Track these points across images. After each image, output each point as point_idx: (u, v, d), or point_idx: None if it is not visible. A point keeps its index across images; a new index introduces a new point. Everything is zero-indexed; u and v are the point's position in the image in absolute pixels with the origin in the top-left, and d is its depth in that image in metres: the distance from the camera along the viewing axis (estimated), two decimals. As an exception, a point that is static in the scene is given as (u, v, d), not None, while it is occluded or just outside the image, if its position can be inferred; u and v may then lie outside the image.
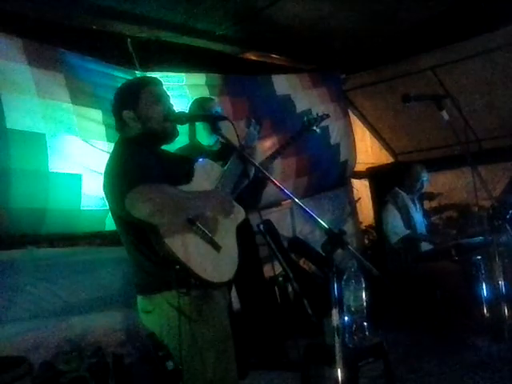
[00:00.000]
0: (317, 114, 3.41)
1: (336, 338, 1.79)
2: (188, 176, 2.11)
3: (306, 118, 3.37)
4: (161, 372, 3.18)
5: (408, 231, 4.26)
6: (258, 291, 3.73)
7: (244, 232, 3.39)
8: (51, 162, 3.15)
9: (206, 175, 2.20)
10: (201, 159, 2.27)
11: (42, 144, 3.11)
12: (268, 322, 3.71)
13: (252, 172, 2.44)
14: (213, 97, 3.91)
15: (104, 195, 2.07)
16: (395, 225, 4.29)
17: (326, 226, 1.82)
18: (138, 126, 2.12)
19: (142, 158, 1.97)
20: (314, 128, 3.36)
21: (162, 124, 2.11)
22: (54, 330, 3.30)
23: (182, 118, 2.15)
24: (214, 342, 1.98)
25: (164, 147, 2.24)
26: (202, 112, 3.21)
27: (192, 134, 3.39)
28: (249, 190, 2.83)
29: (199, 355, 1.95)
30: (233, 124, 2.05)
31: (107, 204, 2.10)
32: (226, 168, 2.29)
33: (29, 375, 2.83)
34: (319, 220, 1.82)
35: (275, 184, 1.96)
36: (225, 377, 2.00)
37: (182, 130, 3.39)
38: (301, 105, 4.95)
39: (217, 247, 2.01)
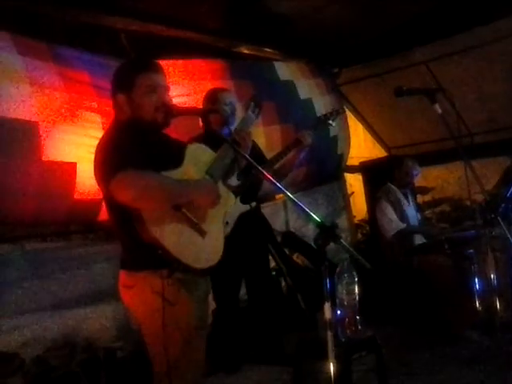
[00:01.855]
0: (332, 109, 3.44)
1: (328, 331, 1.78)
2: (178, 161, 2.09)
3: (322, 113, 3.38)
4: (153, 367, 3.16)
5: (404, 224, 4.27)
6: (266, 283, 3.73)
7: (254, 223, 3.40)
8: (44, 150, 3.12)
9: (196, 160, 2.18)
10: (193, 144, 2.25)
11: (34, 132, 3.08)
12: (271, 315, 3.71)
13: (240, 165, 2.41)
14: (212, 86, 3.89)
15: (94, 176, 2.06)
16: (391, 219, 4.29)
17: (318, 219, 1.80)
18: (129, 111, 2.10)
19: (130, 143, 1.95)
20: (330, 122, 3.37)
21: (152, 114, 2.09)
22: (45, 325, 3.29)
23: (173, 111, 2.14)
24: (187, 326, 2.00)
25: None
26: (215, 102, 3.25)
27: (207, 123, 3.41)
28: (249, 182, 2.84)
29: (169, 337, 1.95)
30: (222, 116, 2.04)
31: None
32: (217, 154, 2.28)
33: (20, 371, 2.82)
34: (311, 214, 1.81)
35: (266, 177, 1.95)
36: (189, 362, 2.01)
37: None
38: (303, 92, 4.97)
39: (202, 233, 2.01)
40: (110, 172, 1.87)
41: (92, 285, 3.59)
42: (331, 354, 1.80)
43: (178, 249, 1.91)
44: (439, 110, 2.51)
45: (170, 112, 2.13)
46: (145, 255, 1.94)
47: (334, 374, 1.81)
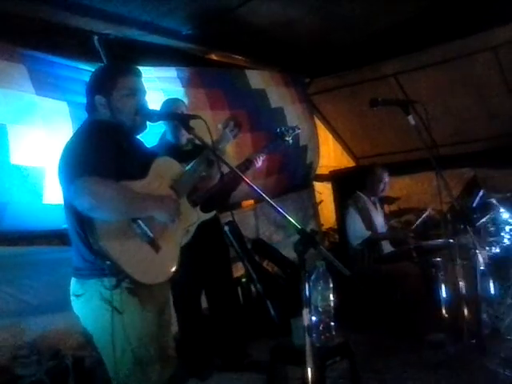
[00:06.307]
0: (289, 126, 3.50)
1: (307, 337, 1.79)
2: (143, 172, 2.09)
3: (279, 130, 3.44)
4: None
5: (369, 233, 4.34)
6: (227, 292, 3.73)
7: (214, 232, 3.41)
8: (13, 153, 3.04)
9: (163, 172, 2.18)
10: (162, 157, 2.25)
11: (2, 135, 3.01)
12: (232, 323, 3.69)
13: (218, 174, 2.41)
14: (183, 94, 3.90)
15: (57, 173, 2.04)
16: (356, 228, 4.36)
17: (299, 226, 1.82)
18: (108, 113, 2.10)
19: (98, 147, 1.94)
20: (288, 139, 3.42)
21: (131, 117, 2.10)
22: (10, 332, 3.18)
23: (153, 116, 2.14)
24: (137, 335, 1.98)
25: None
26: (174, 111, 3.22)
27: (164, 133, 3.40)
28: (217, 191, 2.85)
29: (119, 347, 1.95)
30: (206, 122, 2.04)
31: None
32: (188, 168, 2.27)
33: (-16, 379, 2.73)
34: (292, 220, 1.83)
35: (248, 184, 1.96)
36: (143, 371, 2.00)
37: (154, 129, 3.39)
38: (274, 101, 5.01)
39: (156, 248, 2.00)
40: (72, 176, 1.86)
41: (59, 290, 3.48)
42: (309, 359, 1.81)
43: (127, 262, 1.90)
44: (413, 121, 2.59)
45: (150, 116, 2.13)
46: (96, 263, 1.93)
47: (311, 379, 1.83)
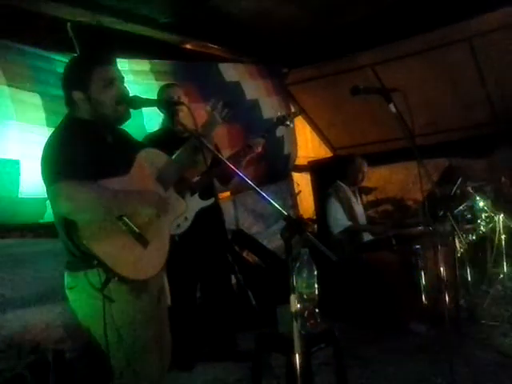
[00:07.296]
0: (290, 111, 3.50)
1: (294, 324, 1.80)
2: (127, 167, 2.06)
3: (280, 114, 3.42)
4: (102, 367, 3.08)
5: (350, 223, 4.38)
6: (223, 281, 3.72)
7: (213, 219, 3.40)
8: None
9: (148, 164, 2.15)
10: (146, 149, 2.21)
11: None
12: (225, 312, 3.69)
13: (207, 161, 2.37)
14: (156, 88, 3.86)
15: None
16: (338, 217, 4.39)
17: (285, 212, 1.83)
18: (88, 108, 2.05)
19: (77, 146, 1.91)
20: (288, 123, 3.41)
21: (113, 108, 2.05)
22: (-12, 327, 3.12)
23: (135, 103, 2.10)
24: (129, 325, 1.98)
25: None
26: (164, 98, 3.18)
27: (165, 119, 3.38)
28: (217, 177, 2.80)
29: (113, 337, 1.95)
30: (189, 109, 2.02)
31: None
32: (173, 158, 2.24)
33: (-38, 375, 2.66)
34: (279, 207, 1.83)
35: (235, 172, 1.95)
36: (137, 363, 2.00)
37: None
38: (249, 93, 4.98)
39: (144, 243, 1.98)
40: (50, 178, 1.86)
41: (39, 283, 3.45)
42: (297, 346, 1.82)
43: (114, 260, 1.89)
44: (394, 110, 2.59)
45: (132, 103, 2.09)
46: (84, 258, 1.91)
47: (299, 365, 1.84)
